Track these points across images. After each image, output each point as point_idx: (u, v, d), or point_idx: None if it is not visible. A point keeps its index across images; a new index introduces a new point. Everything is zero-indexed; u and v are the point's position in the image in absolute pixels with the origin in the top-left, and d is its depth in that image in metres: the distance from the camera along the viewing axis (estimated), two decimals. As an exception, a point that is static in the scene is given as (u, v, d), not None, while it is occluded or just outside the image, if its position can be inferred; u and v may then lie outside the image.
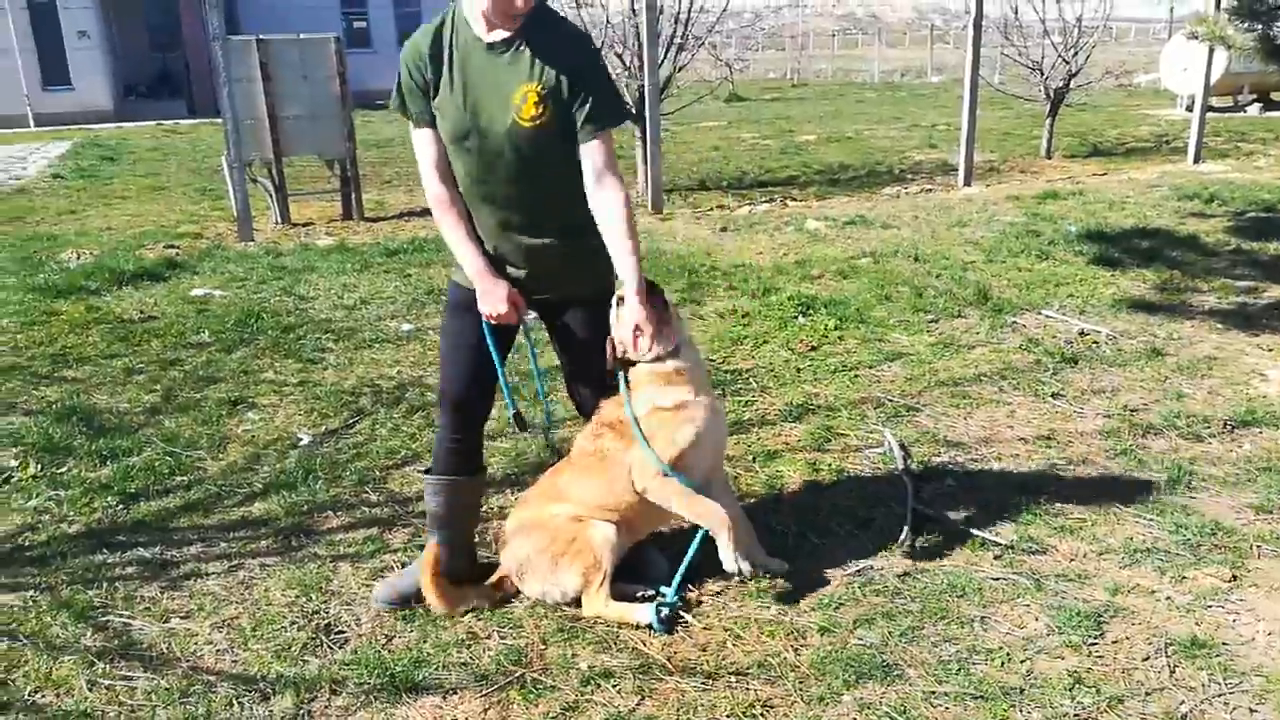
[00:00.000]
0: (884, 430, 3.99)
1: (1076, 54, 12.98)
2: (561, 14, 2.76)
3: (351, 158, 9.63)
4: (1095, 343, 5.10)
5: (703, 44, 11.88)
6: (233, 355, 5.12)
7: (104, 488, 3.59)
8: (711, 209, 9.62)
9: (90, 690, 2.48)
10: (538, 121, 2.52)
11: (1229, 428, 4.02)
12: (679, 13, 10.55)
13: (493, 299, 2.68)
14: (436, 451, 2.94)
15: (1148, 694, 2.42)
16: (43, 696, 2.47)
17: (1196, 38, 10.15)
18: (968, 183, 10.32)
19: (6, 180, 13.41)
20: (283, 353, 5.16)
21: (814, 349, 5.11)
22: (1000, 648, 2.60)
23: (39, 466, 3.77)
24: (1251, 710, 2.37)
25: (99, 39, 23.63)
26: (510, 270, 2.73)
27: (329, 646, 2.67)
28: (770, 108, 22.58)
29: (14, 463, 3.81)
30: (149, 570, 3.06)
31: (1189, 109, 14.89)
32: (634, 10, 10.29)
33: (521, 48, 2.53)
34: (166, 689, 2.48)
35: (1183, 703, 2.40)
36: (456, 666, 2.56)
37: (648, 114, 9.44)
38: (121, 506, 3.48)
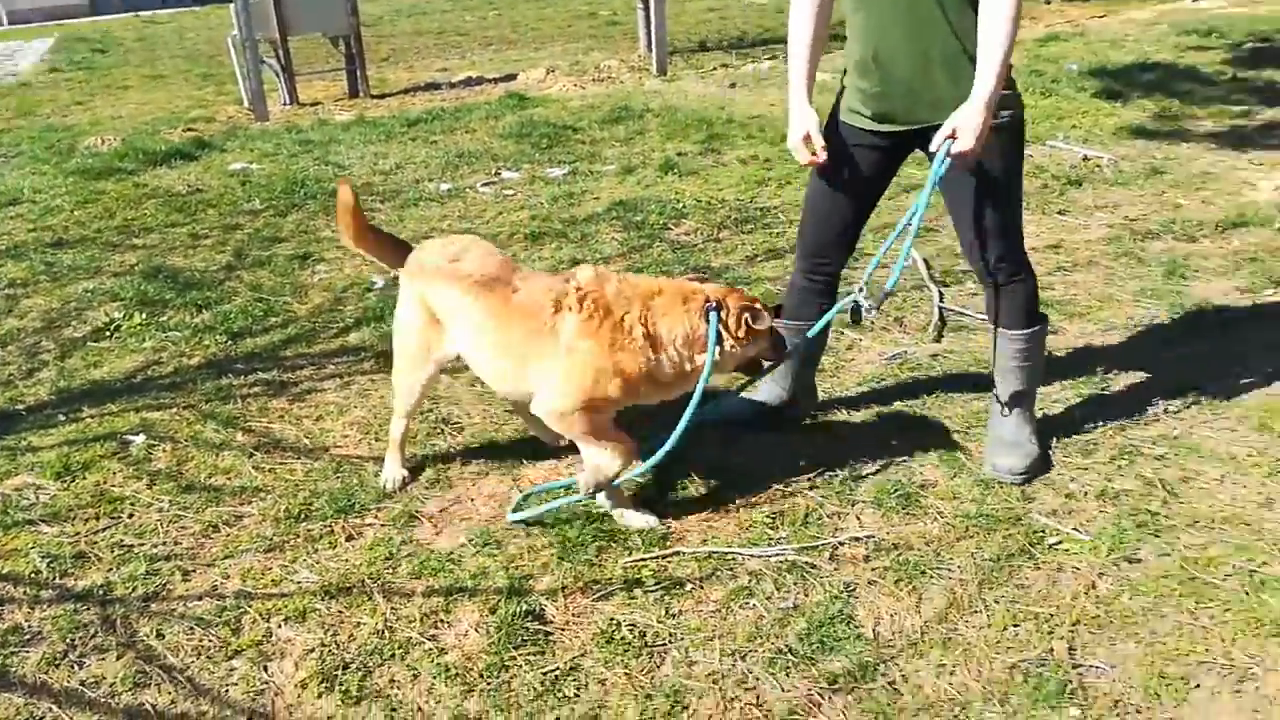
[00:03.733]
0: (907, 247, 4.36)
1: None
2: None
3: (356, 34, 9.67)
4: (1098, 166, 5.43)
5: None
6: (288, 218, 5.44)
7: (209, 329, 3.98)
8: (715, 69, 9.74)
9: (256, 472, 2.93)
10: None
11: (1220, 229, 4.41)
12: None
13: (794, 127, 2.55)
14: (788, 293, 2.94)
15: (1146, 422, 2.89)
16: (216, 480, 2.91)
17: None
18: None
19: (3, 76, 13.35)
20: (334, 214, 5.46)
21: (834, 185, 5.43)
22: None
23: (143, 316, 4.14)
24: (1232, 430, 2.84)
25: (66, -72, 22.84)
26: (886, 85, 2.50)
27: (450, 433, 3.11)
28: (760, -32, 22.08)
29: (119, 314, 4.18)
30: (272, 389, 3.48)
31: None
32: None
33: None
34: (321, 469, 2.93)
35: (1176, 428, 2.86)
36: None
37: (650, -27, 9.47)
38: (230, 342, 3.87)
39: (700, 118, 7.11)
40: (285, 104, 9.46)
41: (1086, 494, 2.63)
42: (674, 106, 7.61)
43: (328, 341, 3.86)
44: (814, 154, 2.56)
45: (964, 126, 2.33)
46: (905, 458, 2.83)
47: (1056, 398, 3.10)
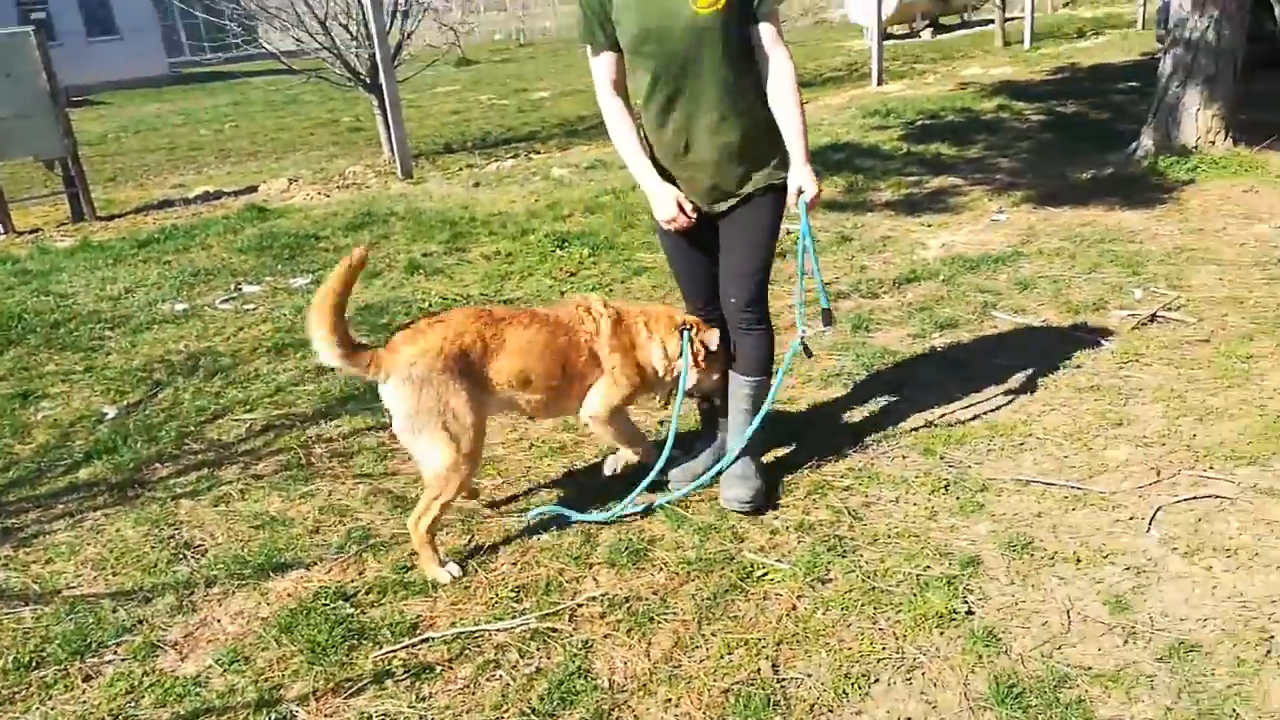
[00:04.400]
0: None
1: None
2: None
3: (74, 155, 9.25)
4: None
5: (426, 9, 12.11)
6: (4, 356, 5.12)
7: (-85, 483, 3.71)
8: (460, 169, 10.06)
9: (-22, 627, 2.78)
10: (714, 6, 2.73)
11: (898, 285, 5.12)
12: (399, -21, 10.74)
13: (661, 203, 2.94)
14: None
15: (836, 460, 3.34)
16: (-69, 642, 2.74)
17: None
18: (690, 120, 11.34)
19: None
20: (58, 346, 5.22)
21: (573, 274, 5.81)
22: (736, 455, 3.44)
23: None
24: (904, 457, 3.34)
25: None
26: (693, 181, 2.97)
27: (193, 558, 3.08)
28: (502, 69, 22.94)
29: None
30: (-7, 538, 3.30)
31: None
32: (354, -21, 10.43)
33: None
34: (53, 613, 2.82)
35: (860, 461, 3.33)
36: (312, 548, 3.07)
37: (384, 82, 9.71)
38: (-59, 495, 3.63)
39: (445, 218, 7.35)
40: (-2, 233, 8.85)
41: (788, 528, 3.00)
42: (419, 209, 7.82)
43: (55, 480, 3.70)
44: (689, 215, 2.95)
45: (805, 183, 2.88)
46: (634, 517, 3.11)
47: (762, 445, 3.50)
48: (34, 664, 2.60)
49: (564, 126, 12.70)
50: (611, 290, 5.45)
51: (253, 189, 10.07)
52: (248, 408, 4.23)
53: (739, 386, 3.18)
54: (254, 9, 11.58)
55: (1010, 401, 3.74)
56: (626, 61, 2.93)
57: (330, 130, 14.37)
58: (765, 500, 3.12)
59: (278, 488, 3.52)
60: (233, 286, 6.12)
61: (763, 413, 3.13)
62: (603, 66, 2.95)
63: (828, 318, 3.18)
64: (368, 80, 10.57)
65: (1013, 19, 18.44)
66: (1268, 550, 2.73)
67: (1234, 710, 2.20)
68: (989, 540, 2.89)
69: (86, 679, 2.54)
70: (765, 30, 2.83)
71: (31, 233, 8.86)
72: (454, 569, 2.89)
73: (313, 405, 4.22)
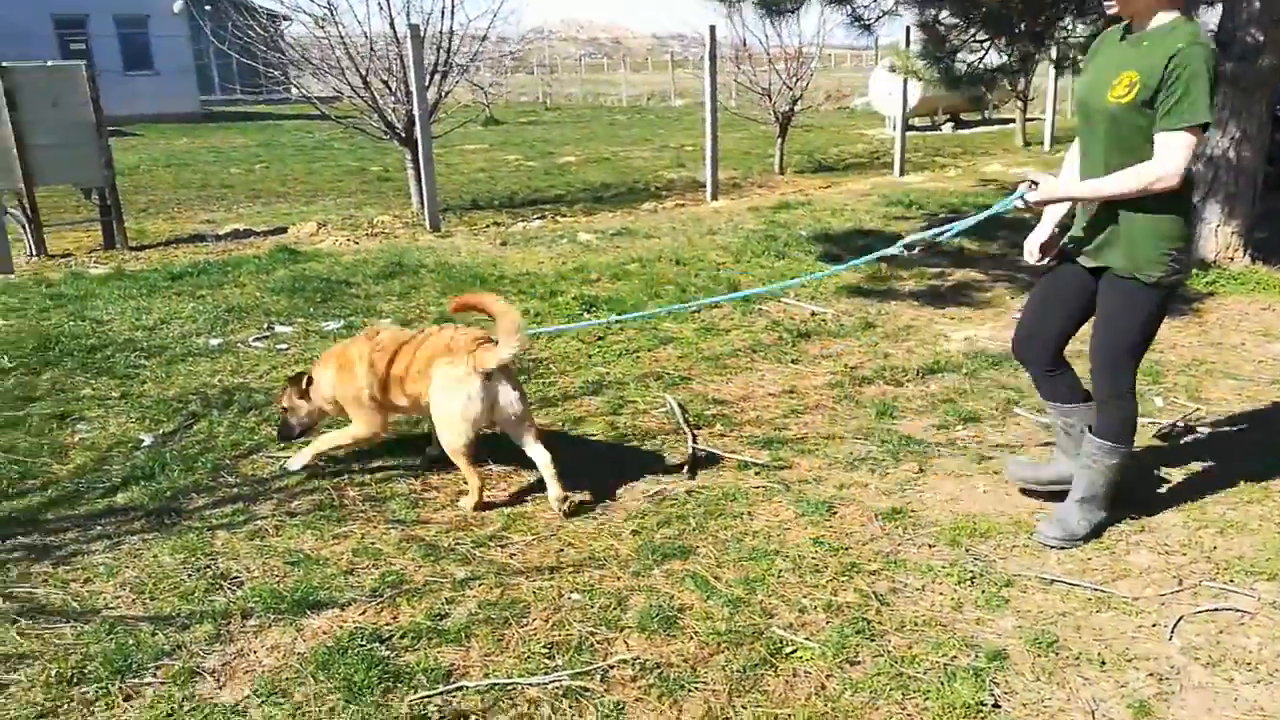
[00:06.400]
0: (666, 396, 4.86)
1: (799, 80, 14.78)
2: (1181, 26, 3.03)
3: (111, 185, 9.47)
4: (823, 320, 6.26)
5: (466, 70, 12.44)
6: (42, 377, 5.22)
7: (-46, 495, 3.77)
8: (487, 226, 10.28)
9: (22, 639, 2.82)
10: (1120, 100, 3.10)
11: (921, 375, 5.23)
12: (440, 42, 11.06)
13: (1034, 235, 3.47)
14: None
15: (863, 543, 3.41)
16: (-29, 653, 2.78)
17: (894, 70, 12.03)
18: (715, 197, 11.62)
19: None
20: (94, 371, 5.31)
21: (600, 339, 5.93)
22: (763, 529, 3.51)
23: (-127, 483, 3.86)
24: (930, 546, 3.40)
25: None
26: (1077, 224, 3.40)
27: (229, 588, 3.13)
28: (528, 131, 23.46)
29: None
30: (34, 553, 3.35)
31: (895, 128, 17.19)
32: (398, 38, 10.77)
33: (1142, 42, 3.11)
34: (94, 631, 2.87)
35: (887, 547, 3.39)
36: (346, 589, 3.13)
37: (419, 137, 9.98)
38: (-20, 508, 3.69)
39: (474, 274, 7.51)
40: (32, 255, 9.00)
41: (816, 608, 3.06)
42: (448, 263, 7.98)
43: (94, 502, 3.76)
44: (1038, 260, 3.46)
45: (1041, 178, 3.27)
46: (664, 584, 3.17)
47: (789, 525, 3.57)
48: (75, 680, 2.64)
49: (589, 192, 12.98)
50: (638, 357, 5.57)
51: (282, 230, 10.28)
52: (281, 446, 4.31)
53: (1085, 442, 3.49)
54: (296, 58, 11.91)
55: (1032, 499, 3.81)
56: None
57: (359, 178, 14.68)
58: (1069, 544, 3.45)
59: (311, 526, 3.58)
60: (265, 325, 6.23)
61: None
62: None
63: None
64: (402, 134, 10.84)
65: (1034, 119, 18.92)
66: (1287, 665, 2.79)
67: (1257, 820, 2.24)
68: (1014, 635, 2.94)
69: (127, 698, 2.58)
70: (1158, 138, 3.09)
71: (63, 257, 9.02)
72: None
73: (345, 449, 4.29)
